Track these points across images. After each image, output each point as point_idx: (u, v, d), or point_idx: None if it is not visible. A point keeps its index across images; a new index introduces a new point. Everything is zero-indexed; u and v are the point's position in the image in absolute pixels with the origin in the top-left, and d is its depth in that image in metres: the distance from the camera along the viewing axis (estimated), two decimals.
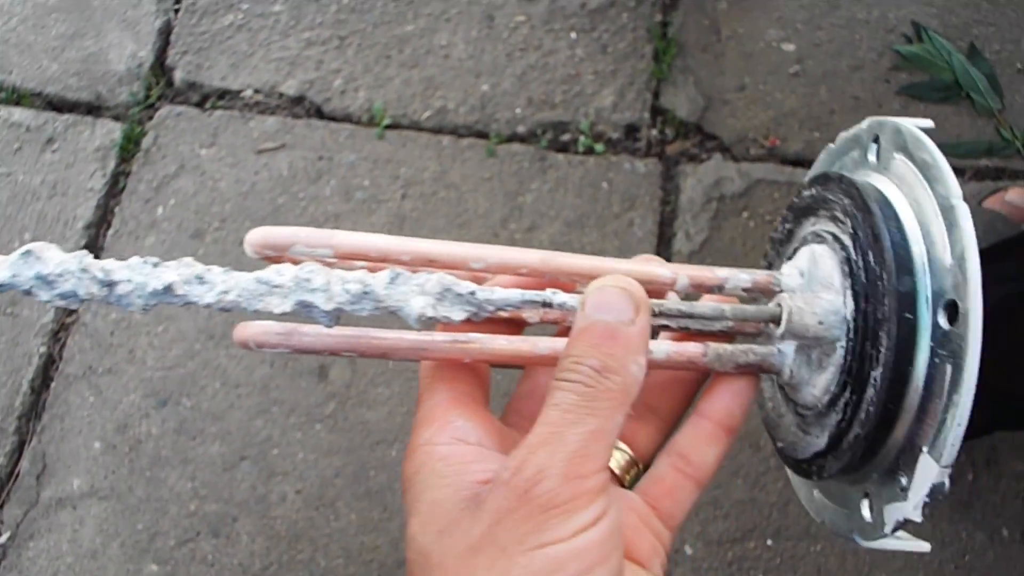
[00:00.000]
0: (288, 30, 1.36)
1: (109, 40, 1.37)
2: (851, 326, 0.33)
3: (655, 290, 0.37)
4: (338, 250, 0.33)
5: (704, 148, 1.26)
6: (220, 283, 0.31)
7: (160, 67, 1.36)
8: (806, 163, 1.23)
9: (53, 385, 1.16)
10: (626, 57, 1.31)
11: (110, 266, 0.30)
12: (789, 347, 0.36)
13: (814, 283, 0.36)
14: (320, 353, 0.34)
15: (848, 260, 0.34)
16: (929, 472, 0.30)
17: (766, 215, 1.19)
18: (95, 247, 1.24)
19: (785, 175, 1.22)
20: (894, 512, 0.32)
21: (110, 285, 0.29)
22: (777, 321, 0.35)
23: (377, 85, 1.31)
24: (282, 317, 0.32)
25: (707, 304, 0.36)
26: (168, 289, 0.30)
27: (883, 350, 0.31)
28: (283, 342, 0.33)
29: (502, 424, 0.36)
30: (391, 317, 0.32)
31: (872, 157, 0.37)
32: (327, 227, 1.13)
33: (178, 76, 1.34)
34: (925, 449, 0.31)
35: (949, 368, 0.30)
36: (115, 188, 1.27)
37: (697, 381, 0.39)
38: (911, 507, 0.31)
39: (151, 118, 1.31)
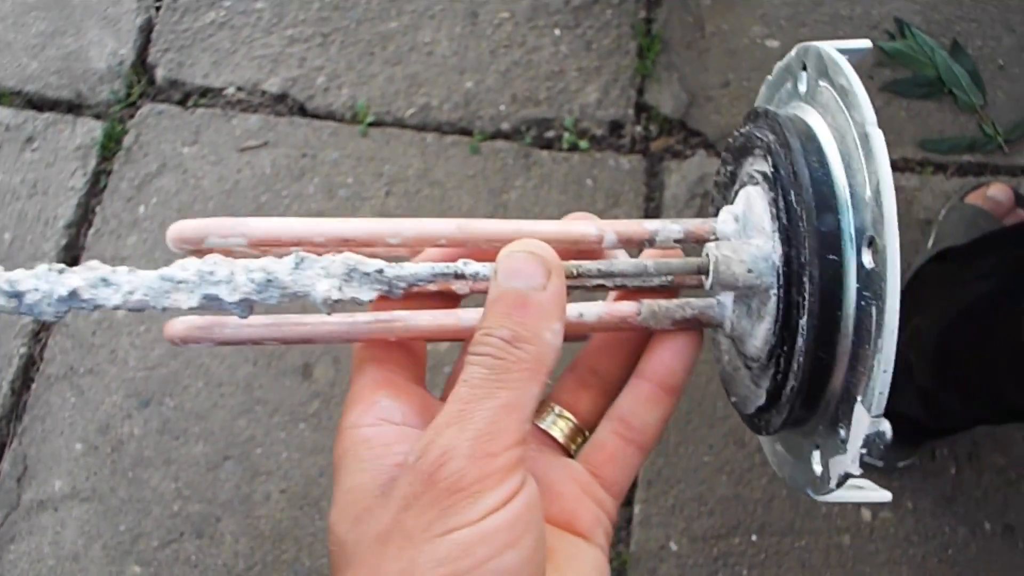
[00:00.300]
0: (271, 27, 1.35)
1: (89, 38, 1.36)
2: (780, 272, 0.32)
3: (585, 250, 0.35)
4: (251, 238, 0.33)
5: (688, 144, 1.26)
6: (125, 284, 0.30)
7: (141, 65, 1.35)
8: None
9: (34, 386, 1.15)
10: (610, 54, 1.31)
11: (15, 277, 0.29)
12: (728, 298, 0.35)
13: (749, 228, 0.34)
14: (243, 344, 0.33)
15: (775, 200, 0.32)
16: (862, 422, 0.28)
17: None
18: (76, 247, 1.23)
19: None
20: (837, 465, 0.30)
21: (18, 296, 0.29)
22: (705, 272, 0.33)
23: (360, 82, 1.30)
24: (199, 311, 0.32)
25: (628, 261, 0.35)
26: (74, 294, 0.29)
27: (807, 296, 0.30)
28: (205, 336, 0.33)
29: (438, 401, 0.35)
30: (302, 303, 0.32)
31: (802, 87, 0.35)
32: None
33: (160, 74, 1.33)
34: (859, 398, 0.29)
35: (874, 310, 0.28)
36: (96, 187, 1.26)
37: (641, 341, 0.37)
38: (849, 460, 0.29)
39: (132, 116, 1.30)
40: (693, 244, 0.36)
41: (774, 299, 0.32)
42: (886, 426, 0.28)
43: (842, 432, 0.30)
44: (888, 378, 0.28)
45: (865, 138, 0.29)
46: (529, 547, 0.27)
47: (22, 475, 1.11)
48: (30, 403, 1.14)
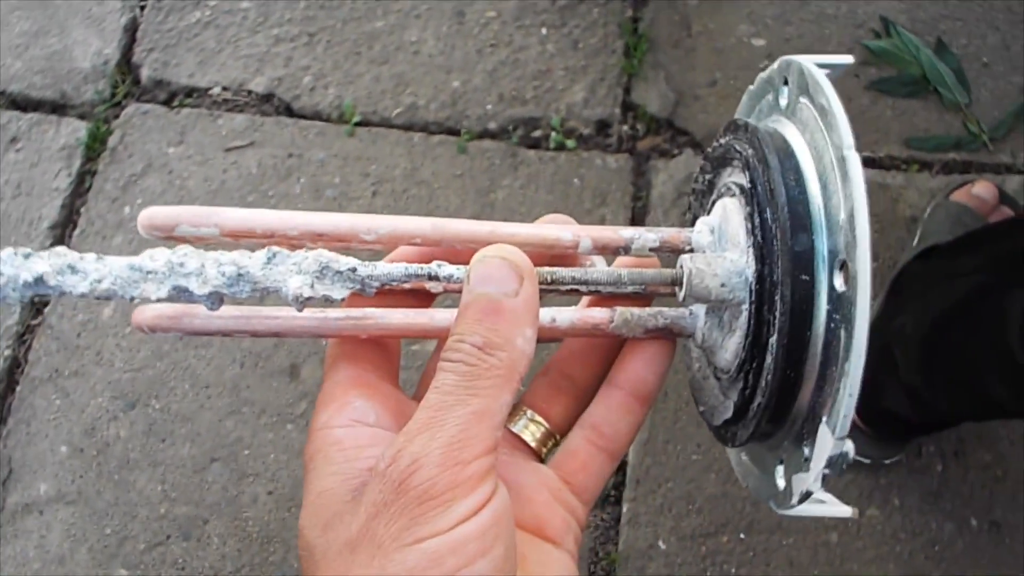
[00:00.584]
0: (256, 27, 1.34)
1: (74, 37, 1.35)
2: (752, 288, 0.32)
3: (559, 255, 0.35)
4: (223, 228, 0.32)
5: (675, 143, 1.26)
6: (93, 272, 0.30)
7: (126, 65, 1.34)
8: None
9: (18, 389, 1.14)
10: (597, 53, 1.31)
11: None
12: (700, 309, 0.35)
13: (724, 240, 0.34)
14: (213, 335, 0.33)
15: (751, 216, 0.32)
16: (826, 444, 0.29)
17: None
18: None
19: None
20: (799, 482, 0.31)
21: None
22: (679, 284, 0.33)
23: (347, 82, 1.30)
24: (169, 302, 0.31)
25: (604, 270, 0.34)
26: (40, 280, 0.29)
27: (778, 315, 0.30)
28: (174, 326, 0.32)
29: (411, 401, 0.35)
30: (273, 298, 0.32)
31: (783, 100, 0.34)
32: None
33: (145, 74, 1.32)
34: (824, 419, 0.29)
35: (843, 333, 0.28)
36: (81, 188, 1.25)
37: (614, 348, 0.37)
38: (812, 479, 0.29)
39: (117, 116, 1.30)
40: (668, 253, 0.36)
41: (746, 314, 0.32)
42: (849, 447, 0.28)
43: (806, 450, 0.30)
44: (853, 402, 0.28)
45: (842, 161, 0.29)
46: (500, 556, 0.27)
47: (7, 478, 1.10)
48: (15, 406, 1.13)
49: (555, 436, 0.37)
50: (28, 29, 1.35)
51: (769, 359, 0.30)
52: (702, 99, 1.28)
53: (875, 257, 1.04)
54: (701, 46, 1.31)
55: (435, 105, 1.28)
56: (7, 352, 1.16)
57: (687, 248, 0.36)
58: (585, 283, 0.34)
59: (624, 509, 1.06)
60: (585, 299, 0.37)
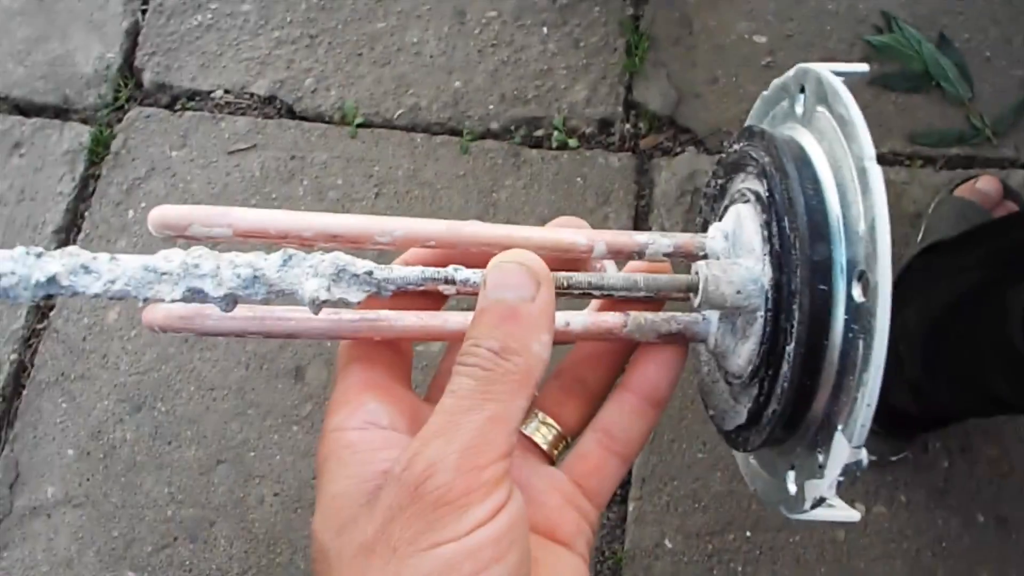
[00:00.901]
0: (258, 30, 1.35)
1: (75, 42, 1.35)
2: (768, 296, 0.32)
3: (573, 259, 0.35)
4: (236, 228, 0.32)
5: (678, 141, 1.26)
6: (107, 272, 0.29)
7: (128, 69, 1.34)
8: None
9: (25, 392, 1.15)
10: (598, 51, 1.31)
11: None
12: (713, 315, 0.35)
13: (738, 246, 0.34)
14: (226, 336, 0.32)
15: (768, 224, 0.32)
16: (842, 452, 0.29)
17: None
18: None
19: None
20: (812, 489, 0.31)
21: None
22: (694, 290, 0.33)
23: (348, 84, 1.30)
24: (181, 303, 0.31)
25: (619, 275, 0.34)
26: (52, 280, 0.28)
27: (796, 324, 0.30)
28: (186, 326, 0.32)
29: (423, 403, 0.35)
30: (289, 300, 0.32)
31: (799, 108, 0.34)
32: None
33: (147, 77, 1.33)
34: (840, 427, 0.29)
35: (861, 344, 0.28)
36: (84, 192, 1.26)
37: (626, 351, 0.37)
38: (826, 486, 0.30)
39: (120, 120, 1.30)
40: (682, 259, 0.36)
41: (760, 321, 0.32)
42: (864, 455, 0.29)
43: (820, 457, 0.30)
44: (871, 412, 0.28)
45: (863, 172, 0.29)
46: (515, 562, 0.27)
47: (14, 482, 1.10)
48: (21, 409, 1.14)
49: (566, 439, 0.37)
50: (30, 35, 1.36)
51: (785, 367, 0.31)
52: (703, 97, 1.27)
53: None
54: (702, 44, 1.31)
55: (437, 106, 1.28)
56: (13, 356, 1.16)
57: (701, 254, 0.36)
58: (601, 288, 0.34)
59: (630, 508, 1.06)
60: (595, 302, 0.37)
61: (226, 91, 1.31)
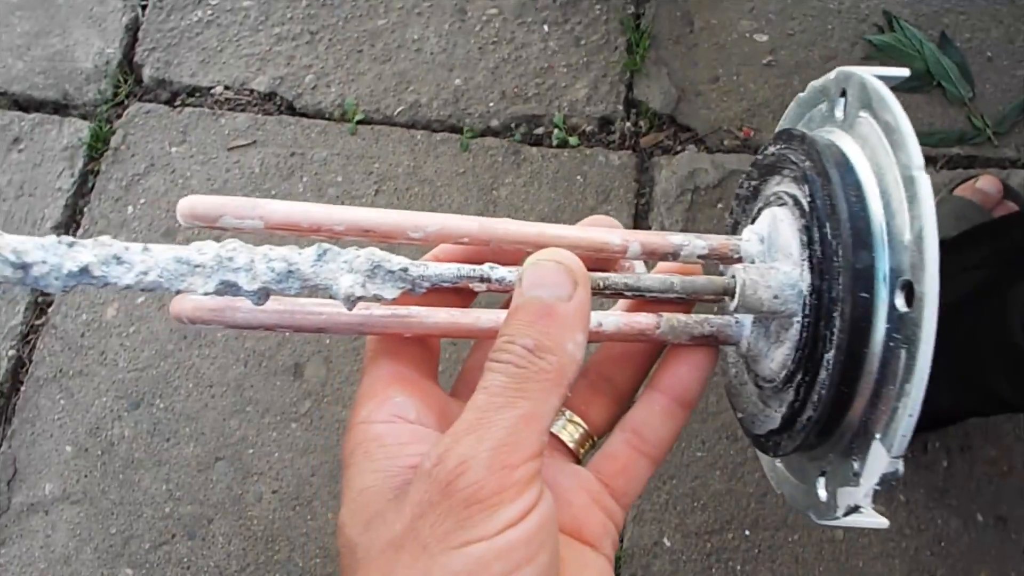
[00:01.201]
0: (258, 26, 1.34)
1: (75, 37, 1.35)
2: (807, 301, 0.31)
3: (606, 259, 0.35)
4: (268, 221, 0.31)
5: (678, 140, 1.25)
6: (139, 263, 0.29)
7: (128, 64, 1.34)
8: None
9: (23, 389, 1.14)
10: (599, 49, 1.30)
11: (22, 246, 0.28)
12: (747, 317, 0.35)
13: (774, 250, 0.34)
14: (255, 329, 0.32)
15: (807, 229, 0.32)
16: (880, 461, 0.29)
17: None
18: None
19: None
20: (846, 496, 0.31)
21: (24, 267, 0.28)
22: (731, 294, 0.33)
23: (349, 80, 1.30)
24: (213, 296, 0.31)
25: (655, 277, 0.34)
26: (85, 271, 0.28)
27: (836, 332, 0.30)
28: (216, 318, 0.32)
29: (450, 398, 0.35)
30: (322, 295, 0.31)
31: (839, 113, 0.34)
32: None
33: (147, 73, 1.32)
34: (878, 436, 0.29)
35: (904, 354, 0.28)
36: (84, 187, 1.26)
37: (655, 351, 0.38)
38: (861, 494, 0.30)
39: (120, 116, 1.30)
40: (716, 261, 0.36)
41: (797, 326, 0.32)
42: (901, 465, 0.28)
43: (855, 465, 0.30)
44: (913, 422, 0.28)
45: (911, 181, 0.29)
46: (545, 563, 0.27)
47: (12, 478, 1.10)
48: (19, 405, 1.14)
49: (593, 438, 0.37)
50: (29, 29, 1.35)
51: (824, 374, 0.30)
52: (704, 95, 1.27)
53: None
54: (703, 42, 1.31)
55: (437, 103, 1.28)
56: (11, 352, 1.16)
57: (735, 256, 0.35)
58: (637, 290, 0.34)
59: None
60: (622, 301, 0.37)
61: (226, 87, 1.31)
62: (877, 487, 0.29)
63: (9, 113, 1.30)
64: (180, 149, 1.26)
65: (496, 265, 0.32)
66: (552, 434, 0.36)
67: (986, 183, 1.13)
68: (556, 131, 1.25)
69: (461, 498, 0.26)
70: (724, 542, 1.04)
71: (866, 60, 1.28)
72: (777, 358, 0.33)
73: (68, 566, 1.06)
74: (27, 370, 1.15)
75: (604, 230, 0.35)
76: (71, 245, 0.28)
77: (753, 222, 0.37)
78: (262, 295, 0.30)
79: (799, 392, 0.32)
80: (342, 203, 1.21)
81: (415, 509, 0.27)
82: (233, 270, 0.29)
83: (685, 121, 1.26)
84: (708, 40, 1.31)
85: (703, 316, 0.35)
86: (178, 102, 1.30)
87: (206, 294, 0.30)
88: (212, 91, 1.31)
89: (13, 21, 1.36)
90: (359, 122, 1.26)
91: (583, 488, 0.35)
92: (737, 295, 0.32)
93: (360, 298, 0.30)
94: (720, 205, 1.20)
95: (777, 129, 0.38)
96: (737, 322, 0.35)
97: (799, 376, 0.32)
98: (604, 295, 0.34)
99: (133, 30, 1.36)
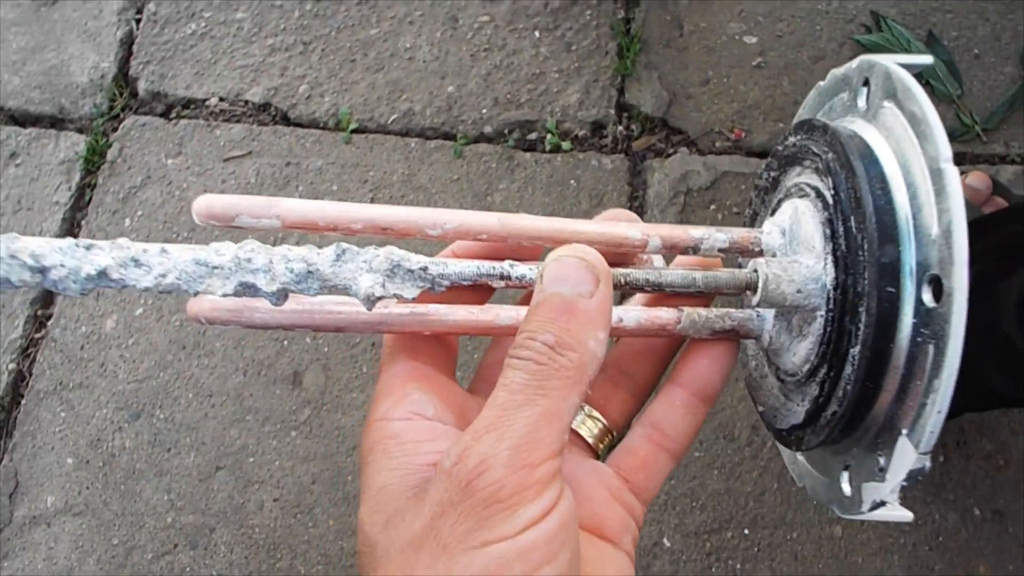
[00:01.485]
0: (251, 37, 1.35)
1: (70, 52, 1.36)
2: (830, 296, 0.31)
3: (626, 252, 0.35)
4: (285, 220, 0.31)
5: (670, 142, 1.26)
6: (158, 266, 0.29)
7: (123, 78, 1.35)
8: None
9: (24, 402, 1.15)
10: (590, 54, 1.31)
11: (40, 250, 0.27)
12: (769, 311, 0.34)
13: (795, 243, 0.33)
14: (273, 329, 0.32)
15: (830, 222, 0.31)
16: (907, 457, 0.28)
17: (733, 207, 1.20)
18: None
19: (751, 167, 1.23)
20: (871, 491, 0.30)
21: (42, 271, 0.27)
22: (753, 288, 0.32)
23: (343, 89, 1.31)
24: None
25: (677, 272, 0.34)
26: (103, 274, 0.28)
27: (862, 327, 0.29)
28: (234, 319, 0.31)
29: (468, 395, 0.34)
30: (341, 295, 0.31)
31: (861, 102, 0.33)
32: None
33: (142, 86, 1.33)
34: (904, 432, 0.29)
35: (931, 349, 0.28)
36: (81, 201, 1.26)
37: (675, 346, 0.37)
38: (888, 490, 0.29)
39: (116, 129, 1.30)
40: (736, 254, 0.35)
41: (820, 320, 0.31)
42: (927, 461, 0.28)
43: (881, 460, 0.30)
44: (942, 418, 0.27)
45: (939, 174, 0.28)
46: (565, 563, 0.27)
47: (14, 491, 1.10)
48: (20, 419, 1.14)
49: (612, 433, 0.37)
50: (25, 45, 1.36)
51: (849, 369, 0.30)
52: (695, 98, 1.28)
53: None
54: (693, 45, 1.32)
55: (431, 110, 1.29)
56: (11, 366, 1.16)
57: (756, 249, 0.35)
58: (659, 286, 0.33)
59: None
60: (638, 296, 0.37)
61: (221, 99, 1.31)
62: (904, 483, 0.29)
63: (6, 128, 1.31)
64: (176, 161, 1.27)
65: (516, 262, 0.32)
66: (571, 429, 0.36)
67: (976, 179, 1.14)
68: (549, 136, 1.26)
69: (481, 497, 0.26)
70: (723, 541, 1.05)
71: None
72: (800, 352, 0.33)
73: None
74: (27, 383, 1.16)
75: (624, 224, 0.35)
76: (89, 248, 0.28)
77: (773, 213, 0.36)
78: (281, 296, 0.30)
79: (823, 387, 0.31)
80: None
81: (435, 508, 0.27)
82: (252, 271, 0.29)
83: (677, 124, 1.27)
84: (698, 43, 1.32)
85: (724, 310, 0.35)
86: (173, 114, 1.31)
87: (225, 296, 0.29)
88: (207, 103, 1.31)
89: (8, 37, 1.37)
90: (353, 131, 1.27)
91: (602, 484, 0.34)
92: (760, 290, 0.32)
93: (380, 298, 0.30)
94: (713, 206, 1.20)
95: (796, 118, 0.37)
96: (759, 316, 0.35)
97: (823, 371, 0.31)
98: (626, 291, 0.33)
99: (128, 44, 1.37)
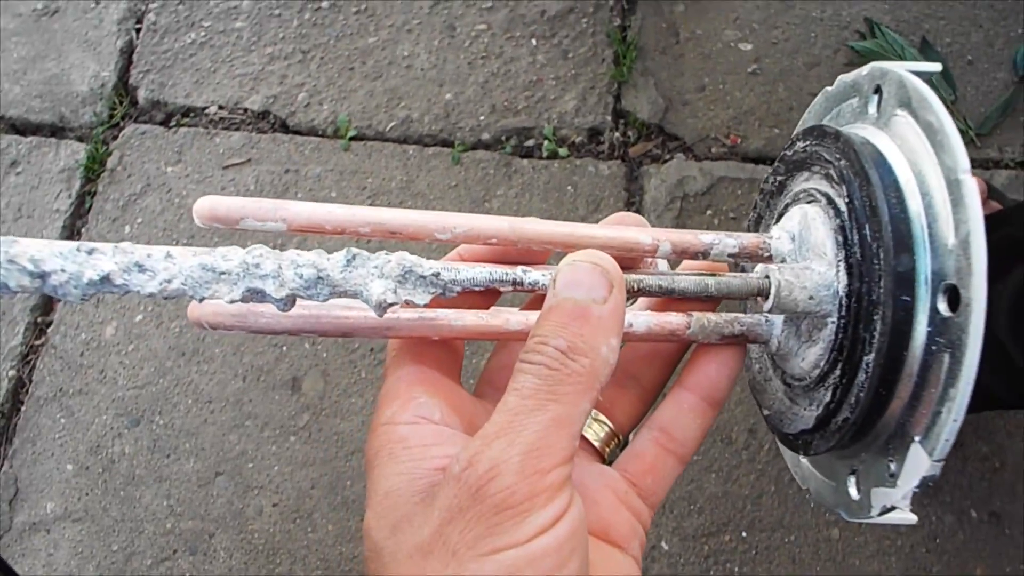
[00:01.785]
0: (250, 46, 1.36)
1: (71, 61, 1.37)
2: (843, 303, 0.31)
3: (636, 257, 0.34)
4: (292, 223, 0.30)
5: (666, 148, 1.27)
6: (162, 271, 0.28)
7: (123, 87, 1.36)
8: (767, 160, 1.25)
9: (23, 408, 1.15)
10: (587, 62, 1.33)
11: (40, 254, 0.26)
12: (778, 317, 0.34)
13: (805, 249, 0.33)
14: (278, 334, 0.31)
15: (843, 229, 0.31)
16: (920, 464, 0.28)
17: (729, 212, 1.21)
18: None
19: (747, 172, 1.24)
20: (881, 497, 0.30)
21: (42, 276, 0.26)
22: (765, 295, 0.32)
23: (341, 97, 1.32)
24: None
25: (690, 279, 0.34)
26: (106, 279, 0.27)
27: (877, 335, 0.29)
28: (238, 324, 0.31)
29: (474, 399, 0.34)
30: (352, 299, 0.31)
31: (872, 109, 0.33)
32: (295, 241, 1.14)
33: (142, 95, 1.34)
34: (917, 439, 0.29)
35: (947, 358, 0.28)
36: (81, 209, 1.27)
37: (682, 350, 0.37)
38: (899, 496, 0.29)
39: (116, 138, 1.31)
40: (746, 259, 0.35)
41: (831, 327, 0.31)
42: (939, 469, 0.28)
43: (892, 466, 0.30)
44: (957, 427, 0.27)
45: (956, 184, 0.28)
46: (575, 569, 0.26)
47: (13, 498, 1.11)
48: (20, 425, 1.15)
49: (618, 437, 0.36)
50: (26, 54, 1.37)
51: (862, 376, 0.30)
52: (691, 104, 1.29)
53: None
54: (689, 52, 1.33)
55: (429, 118, 1.30)
56: (11, 373, 1.17)
57: (766, 255, 0.35)
58: (672, 292, 0.33)
59: None
60: (642, 300, 0.36)
61: (220, 107, 1.32)
62: (916, 489, 0.29)
63: (6, 137, 1.32)
64: (176, 169, 1.28)
65: (529, 268, 0.32)
66: None
67: None
68: (546, 143, 1.27)
69: (491, 504, 0.26)
70: (721, 544, 1.05)
71: (849, 66, 1.29)
72: (809, 357, 0.33)
73: None
74: (27, 390, 1.16)
75: (635, 229, 0.34)
76: (91, 252, 0.27)
77: (779, 218, 0.36)
78: (289, 302, 0.29)
79: (835, 393, 0.31)
80: None
81: (444, 514, 0.26)
82: (260, 277, 0.28)
83: (673, 130, 1.28)
84: (694, 50, 1.33)
85: (733, 315, 0.35)
86: (173, 122, 1.32)
87: (232, 302, 0.28)
88: (206, 111, 1.32)
89: (9, 46, 1.38)
90: (352, 138, 1.28)
91: (609, 488, 0.34)
92: (772, 296, 0.32)
93: (392, 304, 0.29)
94: (709, 211, 1.21)
95: (802, 124, 0.37)
96: (768, 321, 0.34)
97: (834, 377, 0.31)
98: (639, 296, 0.33)
99: (128, 53, 1.38)
